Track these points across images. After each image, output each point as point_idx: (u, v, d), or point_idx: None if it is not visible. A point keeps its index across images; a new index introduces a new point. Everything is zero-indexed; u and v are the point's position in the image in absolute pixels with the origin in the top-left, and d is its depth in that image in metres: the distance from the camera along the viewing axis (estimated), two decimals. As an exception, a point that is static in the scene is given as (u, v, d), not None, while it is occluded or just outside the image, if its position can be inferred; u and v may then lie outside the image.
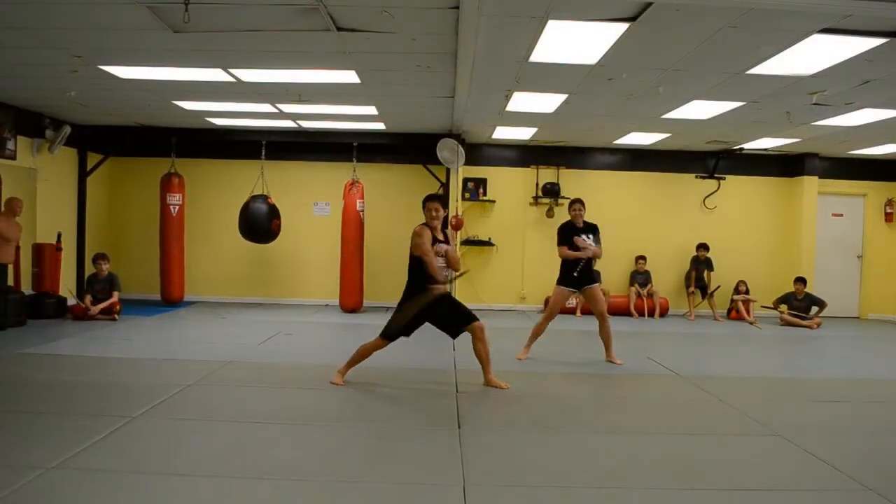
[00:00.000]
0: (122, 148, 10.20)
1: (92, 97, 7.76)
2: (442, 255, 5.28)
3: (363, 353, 5.42)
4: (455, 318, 5.37)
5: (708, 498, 3.33)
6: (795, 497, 3.39)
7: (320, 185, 10.67)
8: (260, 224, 9.54)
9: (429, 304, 5.20)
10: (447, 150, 9.54)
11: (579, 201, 6.64)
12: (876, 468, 3.76)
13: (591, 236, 6.50)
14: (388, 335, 5.32)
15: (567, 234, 6.52)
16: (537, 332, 6.65)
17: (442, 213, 5.39)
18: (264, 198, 9.61)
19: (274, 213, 9.63)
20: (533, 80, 6.53)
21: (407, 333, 5.36)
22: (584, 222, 6.57)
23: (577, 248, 6.42)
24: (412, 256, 5.28)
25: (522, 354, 6.63)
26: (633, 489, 3.40)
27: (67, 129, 8.96)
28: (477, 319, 5.38)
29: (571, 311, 10.13)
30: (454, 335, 5.45)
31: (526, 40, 5.30)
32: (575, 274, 6.43)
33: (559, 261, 6.57)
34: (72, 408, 4.51)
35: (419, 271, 5.23)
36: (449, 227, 5.66)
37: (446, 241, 5.40)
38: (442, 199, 5.56)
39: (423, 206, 5.39)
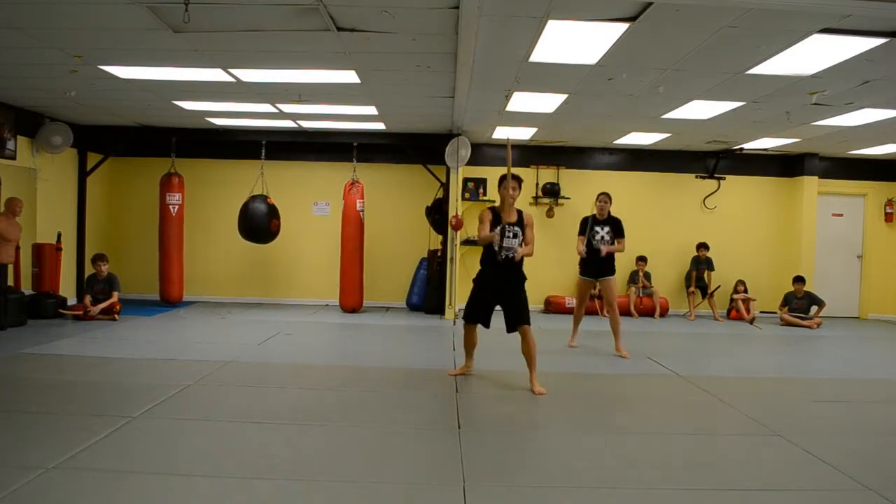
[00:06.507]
0: (122, 148, 10.19)
1: (92, 97, 7.76)
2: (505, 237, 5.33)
3: (467, 344, 5.77)
4: (513, 311, 5.41)
5: (708, 498, 3.34)
6: (795, 497, 3.39)
7: (320, 185, 10.67)
8: (259, 224, 9.54)
9: (485, 282, 5.43)
10: (463, 149, 9.59)
11: (605, 194, 7.06)
12: (876, 468, 3.77)
13: (606, 228, 6.92)
14: (464, 317, 5.65)
15: (585, 226, 7.05)
16: (576, 320, 7.42)
17: (517, 193, 5.42)
18: (264, 198, 9.61)
19: (273, 212, 9.62)
20: (533, 80, 6.53)
21: (476, 316, 5.52)
22: (609, 215, 7.01)
23: (590, 244, 6.88)
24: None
25: (571, 341, 7.37)
26: (633, 489, 3.40)
27: (58, 139, 8.88)
28: (528, 324, 5.45)
29: (570, 311, 10.11)
30: (509, 328, 5.47)
31: (526, 40, 5.30)
32: (585, 256, 6.96)
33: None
34: (72, 408, 4.51)
35: (486, 248, 5.46)
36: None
37: (519, 224, 5.38)
38: (518, 179, 5.49)
39: (499, 185, 5.47)
